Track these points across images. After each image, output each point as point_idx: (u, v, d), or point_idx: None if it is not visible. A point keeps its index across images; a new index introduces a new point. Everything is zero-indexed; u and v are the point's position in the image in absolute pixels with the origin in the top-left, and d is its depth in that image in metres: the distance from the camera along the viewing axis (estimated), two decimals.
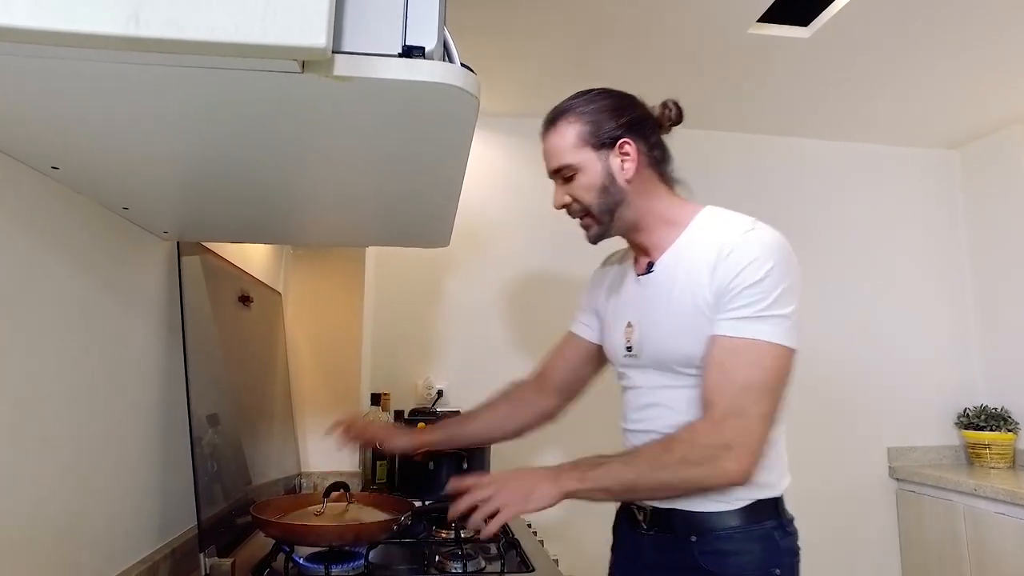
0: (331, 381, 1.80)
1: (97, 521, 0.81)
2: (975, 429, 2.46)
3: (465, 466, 1.54)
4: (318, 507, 1.14)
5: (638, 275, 1.09)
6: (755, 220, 0.99)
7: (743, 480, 0.89)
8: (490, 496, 0.92)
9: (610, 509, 2.40)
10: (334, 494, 1.15)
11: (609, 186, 1.04)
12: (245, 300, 1.38)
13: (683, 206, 1.08)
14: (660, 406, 1.02)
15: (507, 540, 1.26)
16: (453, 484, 0.96)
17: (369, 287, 2.02)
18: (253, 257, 1.52)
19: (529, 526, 1.60)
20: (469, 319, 2.39)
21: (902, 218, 2.76)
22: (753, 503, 0.96)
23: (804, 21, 1.93)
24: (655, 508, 1.02)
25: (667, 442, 0.92)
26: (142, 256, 0.96)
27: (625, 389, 1.12)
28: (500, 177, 2.51)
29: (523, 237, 2.48)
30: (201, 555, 0.95)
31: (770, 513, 0.98)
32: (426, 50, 0.52)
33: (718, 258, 0.94)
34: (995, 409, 2.49)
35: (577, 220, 1.10)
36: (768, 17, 1.89)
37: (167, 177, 0.72)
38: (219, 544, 1.03)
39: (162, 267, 1.03)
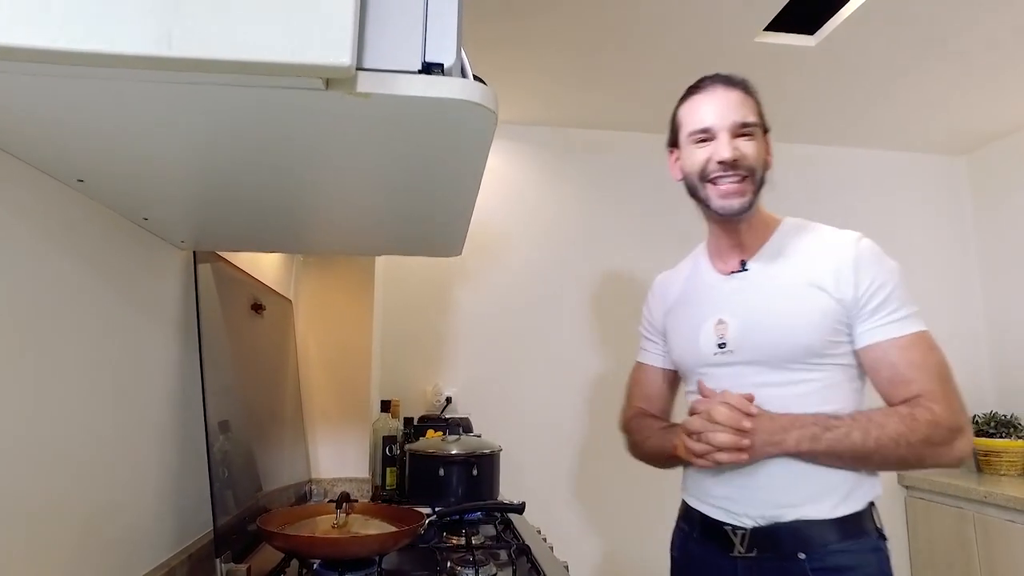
0: (341, 388, 1.81)
1: (117, 527, 0.83)
2: (985, 436, 2.45)
3: (475, 472, 1.55)
4: (327, 518, 1.15)
5: (728, 272, 1.10)
6: (848, 230, 1.05)
7: (965, 460, 0.97)
8: (752, 430, 0.95)
9: (625, 517, 2.38)
10: (345, 505, 1.15)
11: (765, 166, 1.07)
12: (257, 308, 1.40)
13: (770, 214, 1.13)
14: (759, 406, 0.99)
15: (518, 546, 1.26)
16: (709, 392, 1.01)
17: (379, 294, 2.04)
18: (265, 265, 1.54)
19: (539, 532, 1.60)
20: (477, 326, 2.40)
21: (910, 224, 2.76)
22: (860, 510, 0.97)
23: (811, 29, 1.94)
24: (756, 527, 0.99)
25: (909, 420, 0.93)
26: (160, 265, 0.98)
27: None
28: (509, 185, 2.53)
29: (532, 244, 2.49)
30: (217, 561, 0.96)
31: (873, 518, 0.99)
32: (445, 67, 0.53)
33: (841, 265, 1.00)
34: (1005, 416, 2.48)
35: (727, 182, 1.04)
36: (775, 25, 1.91)
37: (187, 189, 0.74)
38: (234, 550, 1.04)
39: (178, 275, 1.05)
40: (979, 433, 2.48)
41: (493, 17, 1.84)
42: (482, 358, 2.38)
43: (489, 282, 2.44)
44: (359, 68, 0.50)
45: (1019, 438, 2.41)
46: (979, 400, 2.60)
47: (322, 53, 0.45)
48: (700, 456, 0.98)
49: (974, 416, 2.54)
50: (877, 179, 2.78)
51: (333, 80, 0.48)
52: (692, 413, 1.03)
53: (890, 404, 0.99)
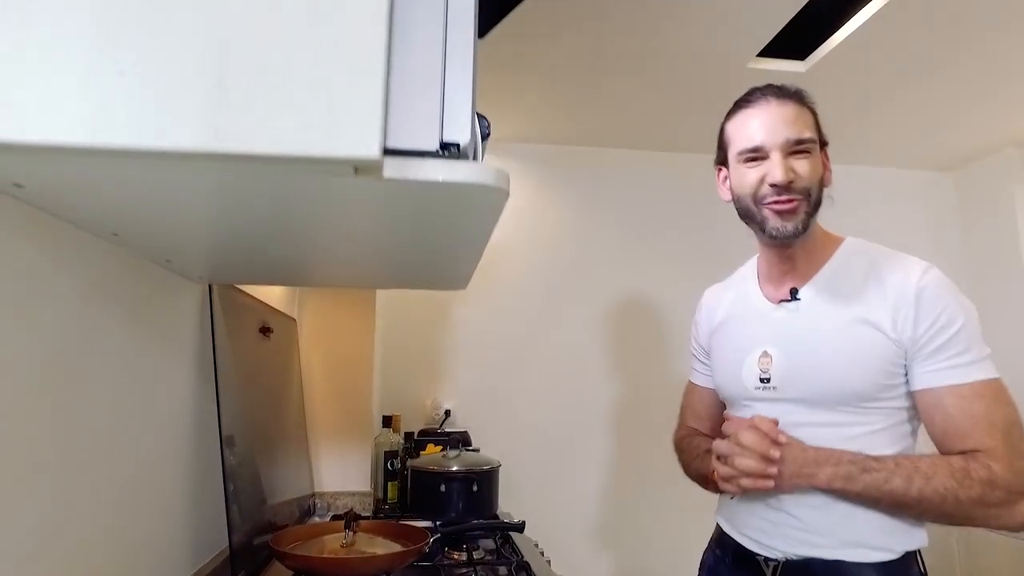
0: (344, 403, 1.86)
1: (141, 548, 0.87)
2: None
3: (475, 488, 1.60)
4: (338, 536, 1.19)
5: (778, 301, 1.03)
6: (915, 258, 0.97)
7: None
8: (780, 459, 0.91)
9: (621, 530, 2.42)
10: (353, 524, 1.20)
11: (822, 184, 1.00)
12: (265, 331, 1.45)
13: (828, 234, 1.06)
14: None
15: (518, 562, 1.31)
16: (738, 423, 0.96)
17: (379, 310, 2.08)
18: (271, 287, 1.58)
19: (536, 545, 1.65)
20: (475, 339, 2.45)
21: (898, 238, 2.81)
22: (902, 557, 0.92)
23: (801, 56, 2.00)
24: (787, 560, 0.95)
25: (961, 475, 0.86)
26: (178, 297, 1.02)
27: None
28: (508, 202, 2.57)
29: (528, 260, 2.54)
30: None
31: (919, 563, 0.94)
32: (461, 146, 0.58)
33: (901, 301, 0.92)
34: None
35: (781, 204, 0.97)
36: (767, 52, 1.97)
37: (210, 240, 0.79)
38: (247, 569, 1.09)
39: (195, 305, 1.10)
40: None
41: (492, 39, 1.89)
42: (480, 371, 2.43)
43: (487, 295, 2.48)
44: (384, 150, 0.54)
45: None
46: None
47: (354, 146, 0.50)
48: (726, 480, 0.95)
49: None
50: (866, 194, 2.84)
51: (362, 168, 0.52)
52: (724, 436, 0.99)
53: (943, 454, 0.92)
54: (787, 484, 0.92)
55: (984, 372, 0.90)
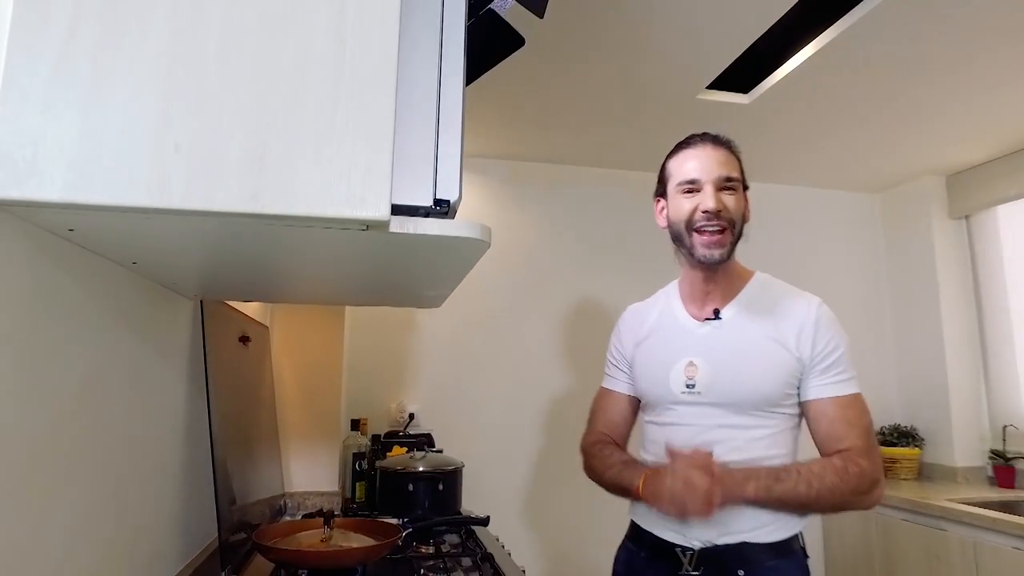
0: (313, 406, 1.94)
1: (141, 545, 0.96)
2: (888, 445, 2.77)
3: (441, 487, 1.71)
4: (315, 532, 1.29)
5: (703, 319, 1.20)
6: (809, 293, 1.19)
7: (878, 504, 1.12)
8: (719, 494, 1.04)
9: (572, 524, 2.58)
10: (331, 520, 1.30)
11: (744, 219, 1.18)
12: (244, 340, 1.52)
13: (743, 266, 1.24)
14: (717, 444, 1.12)
15: (483, 554, 1.43)
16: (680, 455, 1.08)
17: (348, 318, 2.17)
18: None
19: (497, 539, 1.78)
20: (438, 346, 2.56)
21: (829, 252, 3.07)
22: (791, 536, 1.11)
23: (745, 89, 2.19)
24: (703, 548, 1.11)
25: (842, 473, 1.07)
26: (176, 314, 1.11)
27: (666, 426, 1.19)
28: (473, 213, 2.69)
29: (492, 270, 2.66)
30: (223, 574, 1.09)
31: (800, 541, 1.14)
32: (451, 202, 0.70)
33: (803, 327, 1.13)
34: (906, 427, 2.81)
35: (709, 232, 1.15)
36: (715, 85, 2.14)
37: (216, 267, 0.88)
38: (233, 563, 1.18)
39: (188, 320, 1.18)
40: (883, 443, 2.80)
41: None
42: (443, 376, 2.54)
43: (450, 304, 2.59)
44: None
45: (915, 446, 2.74)
46: (886, 412, 2.93)
47: (368, 209, 0.61)
48: (675, 514, 1.07)
49: (880, 427, 2.86)
50: (800, 212, 3.07)
51: (372, 225, 0.64)
52: (670, 456, 1.10)
53: (822, 453, 1.13)
54: (725, 502, 1.06)
55: (856, 387, 1.14)
